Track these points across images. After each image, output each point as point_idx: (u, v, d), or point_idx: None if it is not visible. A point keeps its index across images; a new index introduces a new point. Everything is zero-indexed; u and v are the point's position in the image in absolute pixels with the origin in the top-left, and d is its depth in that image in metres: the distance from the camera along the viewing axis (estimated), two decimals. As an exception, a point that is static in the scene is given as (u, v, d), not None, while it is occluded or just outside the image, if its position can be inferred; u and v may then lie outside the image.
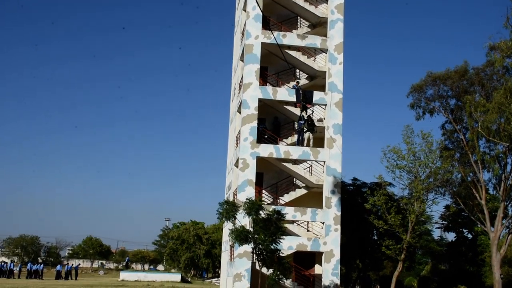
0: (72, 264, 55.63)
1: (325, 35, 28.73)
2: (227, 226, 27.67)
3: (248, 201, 21.11)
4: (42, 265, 51.99)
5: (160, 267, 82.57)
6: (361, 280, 44.46)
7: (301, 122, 27.03)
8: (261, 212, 20.87)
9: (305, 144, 27.45)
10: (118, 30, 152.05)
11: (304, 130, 27.43)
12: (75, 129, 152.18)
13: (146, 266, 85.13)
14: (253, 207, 20.61)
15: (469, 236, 42.77)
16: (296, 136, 28.17)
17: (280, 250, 21.76)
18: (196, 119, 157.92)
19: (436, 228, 46.76)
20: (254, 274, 24.61)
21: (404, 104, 61.49)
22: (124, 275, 49.58)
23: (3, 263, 49.63)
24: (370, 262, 38.70)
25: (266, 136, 28.24)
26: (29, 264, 50.31)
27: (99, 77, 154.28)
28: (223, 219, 21.83)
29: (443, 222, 43.34)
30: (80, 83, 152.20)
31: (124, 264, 76.91)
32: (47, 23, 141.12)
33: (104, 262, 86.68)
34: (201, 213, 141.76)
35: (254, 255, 21.54)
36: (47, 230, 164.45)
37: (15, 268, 50.82)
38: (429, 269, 50.57)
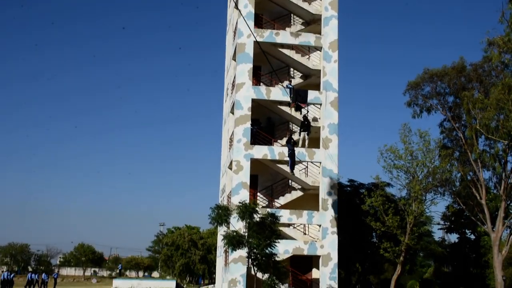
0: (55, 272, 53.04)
1: (319, 33, 28.05)
2: (222, 231, 26.91)
3: (241, 204, 20.50)
4: (44, 274, 48.92)
5: (155, 274, 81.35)
6: (361, 284, 43.57)
7: (289, 144, 25.66)
8: (255, 215, 20.34)
9: (300, 145, 26.68)
10: (118, 30, 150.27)
11: (300, 131, 26.66)
12: (67, 135, 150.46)
13: (141, 273, 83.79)
14: (246, 210, 20.16)
15: (472, 237, 41.83)
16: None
17: (275, 254, 21.32)
18: (189, 121, 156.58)
19: (439, 229, 45.95)
20: (250, 280, 24.13)
21: (400, 104, 60.86)
22: (118, 283, 48.58)
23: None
24: (370, 265, 37.81)
25: (260, 136, 27.45)
26: (29, 274, 46.46)
27: (98, 83, 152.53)
28: (216, 224, 21.23)
29: (445, 223, 42.49)
30: (80, 89, 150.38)
31: (118, 271, 75.64)
32: (47, 23, 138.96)
33: (97, 269, 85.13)
34: (196, 217, 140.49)
35: (249, 260, 20.87)
36: (37, 238, 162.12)
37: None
38: (432, 272, 49.64)
